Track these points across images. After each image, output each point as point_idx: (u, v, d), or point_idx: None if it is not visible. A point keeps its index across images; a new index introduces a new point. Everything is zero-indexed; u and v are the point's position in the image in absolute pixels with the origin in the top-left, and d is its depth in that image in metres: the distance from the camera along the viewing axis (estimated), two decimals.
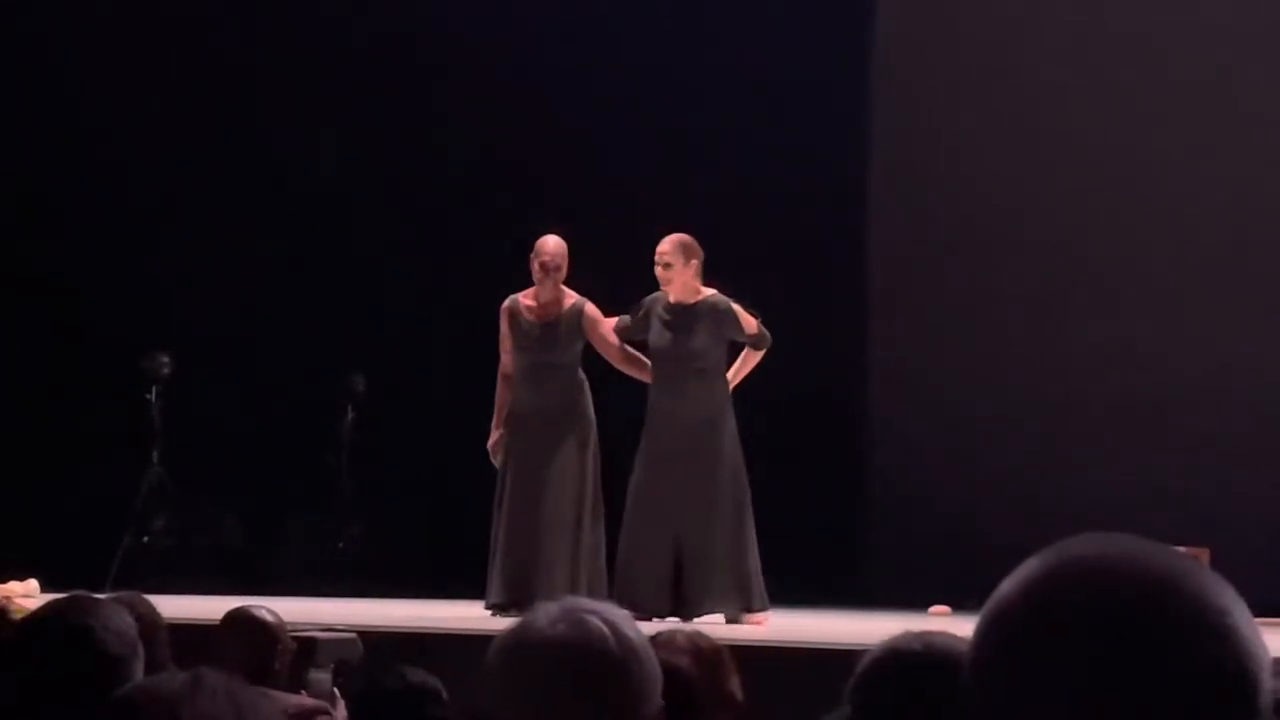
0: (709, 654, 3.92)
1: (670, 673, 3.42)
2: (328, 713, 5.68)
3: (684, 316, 10.24)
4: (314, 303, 13.92)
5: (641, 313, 10.38)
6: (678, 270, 10.23)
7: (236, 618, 6.21)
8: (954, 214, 12.79)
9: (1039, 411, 12.19)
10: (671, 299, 10.28)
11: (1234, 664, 1.50)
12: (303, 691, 6.49)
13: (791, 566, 11.71)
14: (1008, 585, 1.56)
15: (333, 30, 14.15)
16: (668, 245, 10.29)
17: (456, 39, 13.90)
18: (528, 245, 10.63)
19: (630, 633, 2.36)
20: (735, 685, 4.11)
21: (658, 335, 10.31)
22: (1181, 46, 12.44)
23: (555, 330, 10.48)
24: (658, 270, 10.25)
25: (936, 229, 12.80)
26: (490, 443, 10.51)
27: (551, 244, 10.51)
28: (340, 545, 13.57)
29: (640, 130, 13.45)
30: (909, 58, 13.17)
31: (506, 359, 10.57)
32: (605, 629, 2.33)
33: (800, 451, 12.67)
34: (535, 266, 10.51)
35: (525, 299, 10.59)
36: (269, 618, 6.17)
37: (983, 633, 1.56)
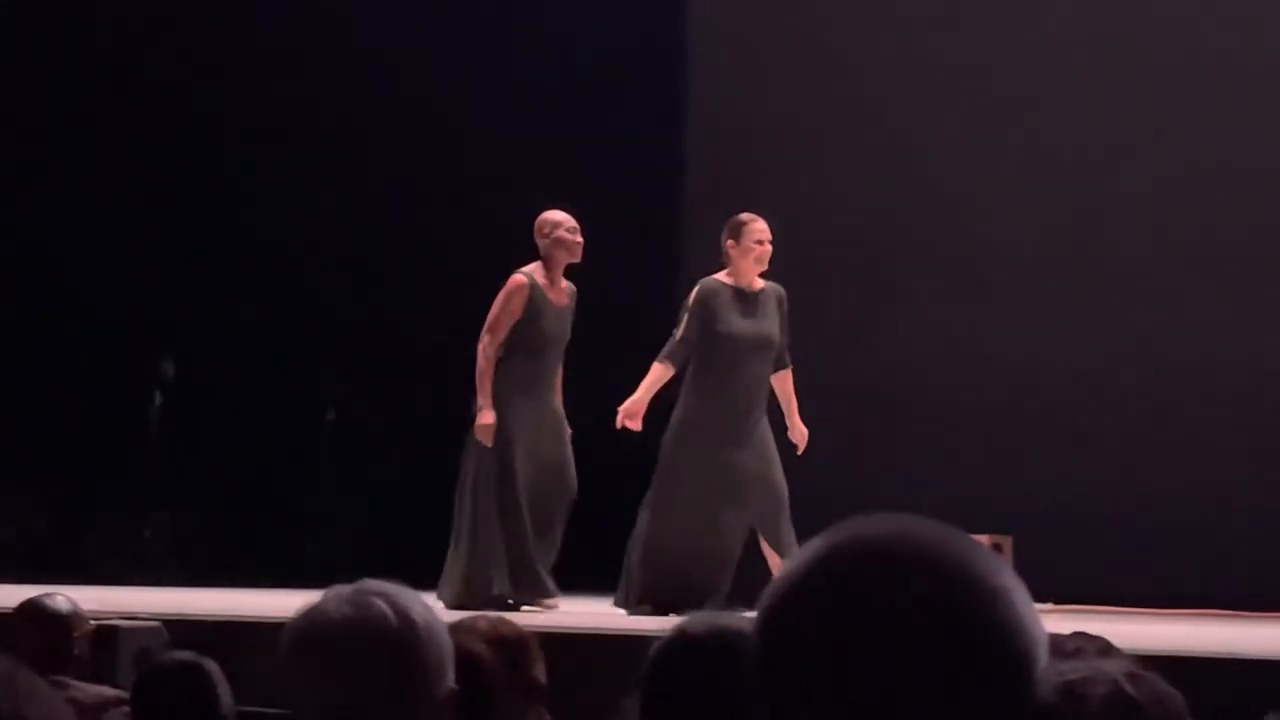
0: (511, 640, 3.92)
1: (467, 658, 3.42)
2: (126, 702, 5.60)
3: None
4: (124, 287, 13.73)
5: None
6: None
7: (29, 606, 6.11)
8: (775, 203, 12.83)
9: (851, 401, 12.27)
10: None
11: (1010, 643, 1.52)
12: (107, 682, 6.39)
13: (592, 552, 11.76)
14: (791, 565, 1.57)
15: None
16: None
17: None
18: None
19: (416, 614, 2.38)
20: (539, 671, 4.11)
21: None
22: (1034, 13, 12.52)
23: (570, 312, 10.19)
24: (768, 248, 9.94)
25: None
26: (484, 423, 9.95)
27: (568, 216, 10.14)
28: (147, 534, 13.42)
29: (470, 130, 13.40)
30: (725, 57, 13.20)
31: (502, 336, 10.03)
32: (388, 610, 2.35)
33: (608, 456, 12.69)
34: (569, 234, 10.06)
35: (541, 277, 10.10)
36: (64, 606, 6.07)
37: (766, 611, 1.56)
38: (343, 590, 2.41)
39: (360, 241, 13.77)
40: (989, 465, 11.81)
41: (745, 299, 9.96)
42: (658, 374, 9.90)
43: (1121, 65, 12.24)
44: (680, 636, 2.82)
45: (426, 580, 8.70)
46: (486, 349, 10.01)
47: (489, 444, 9.93)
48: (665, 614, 8.99)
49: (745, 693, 1.63)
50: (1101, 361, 11.96)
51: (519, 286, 10.04)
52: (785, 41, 13.06)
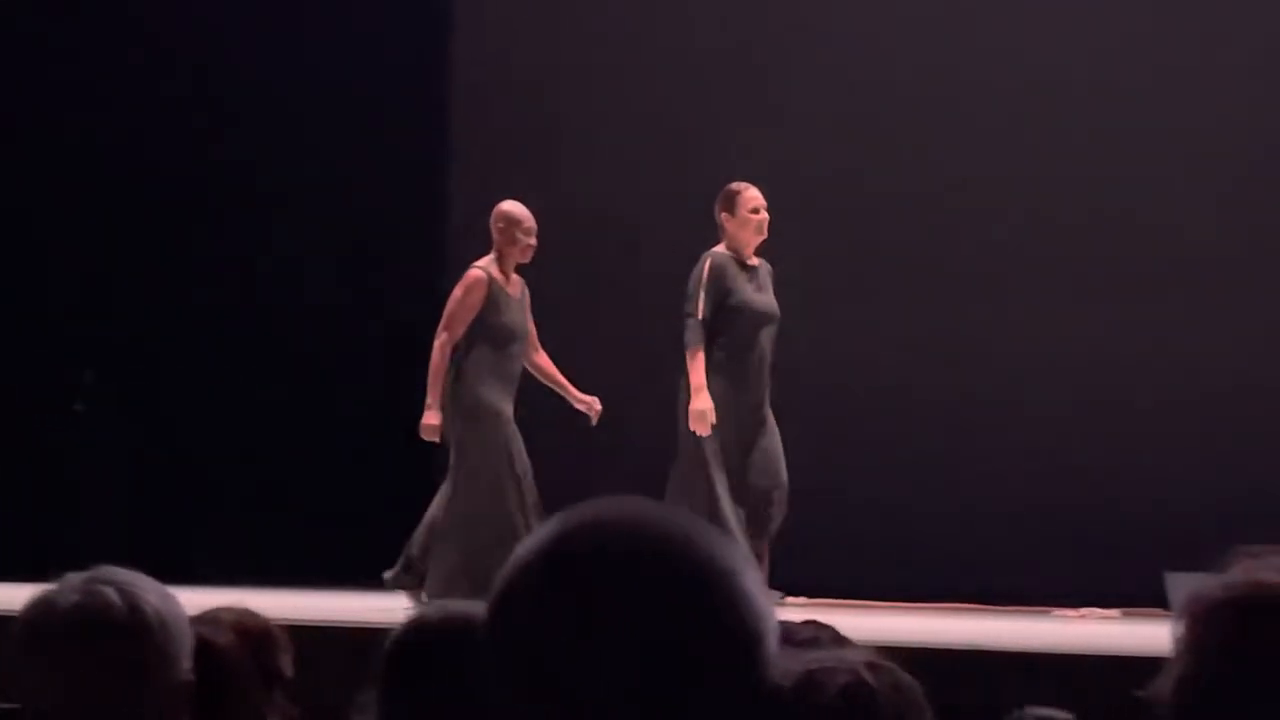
0: (256, 632, 3.87)
1: (207, 647, 3.37)
2: None
3: None
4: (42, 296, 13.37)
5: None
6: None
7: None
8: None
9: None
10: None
11: (740, 622, 1.52)
12: None
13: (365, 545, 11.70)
14: (524, 546, 1.57)
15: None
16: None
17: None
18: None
19: (148, 603, 2.34)
20: (285, 663, 4.07)
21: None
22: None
23: (525, 305, 9.98)
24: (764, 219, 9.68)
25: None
26: (430, 423, 9.69)
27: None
28: None
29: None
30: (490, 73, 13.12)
31: (460, 332, 9.77)
32: (117, 598, 2.31)
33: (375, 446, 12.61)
34: (523, 235, 9.85)
35: (496, 271, 9.87)
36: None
37: (500, 592, 1.56)
38: (75, 579, 2.37)
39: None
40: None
41: (748, 271, 9.72)
42: (701, 361, 9.51)
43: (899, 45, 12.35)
44: (415, 625, 2.80)
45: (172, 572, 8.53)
46: (444, 345, 9.75)
47: (436, 440, 9.71)
48: None
49: (481, 680, 1.62)
50: (847, 357, 12.02)
51: (477, 280, 9.82)
52: (555, 40, 13.03)
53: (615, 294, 12.42)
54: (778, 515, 9.63)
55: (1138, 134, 11.73)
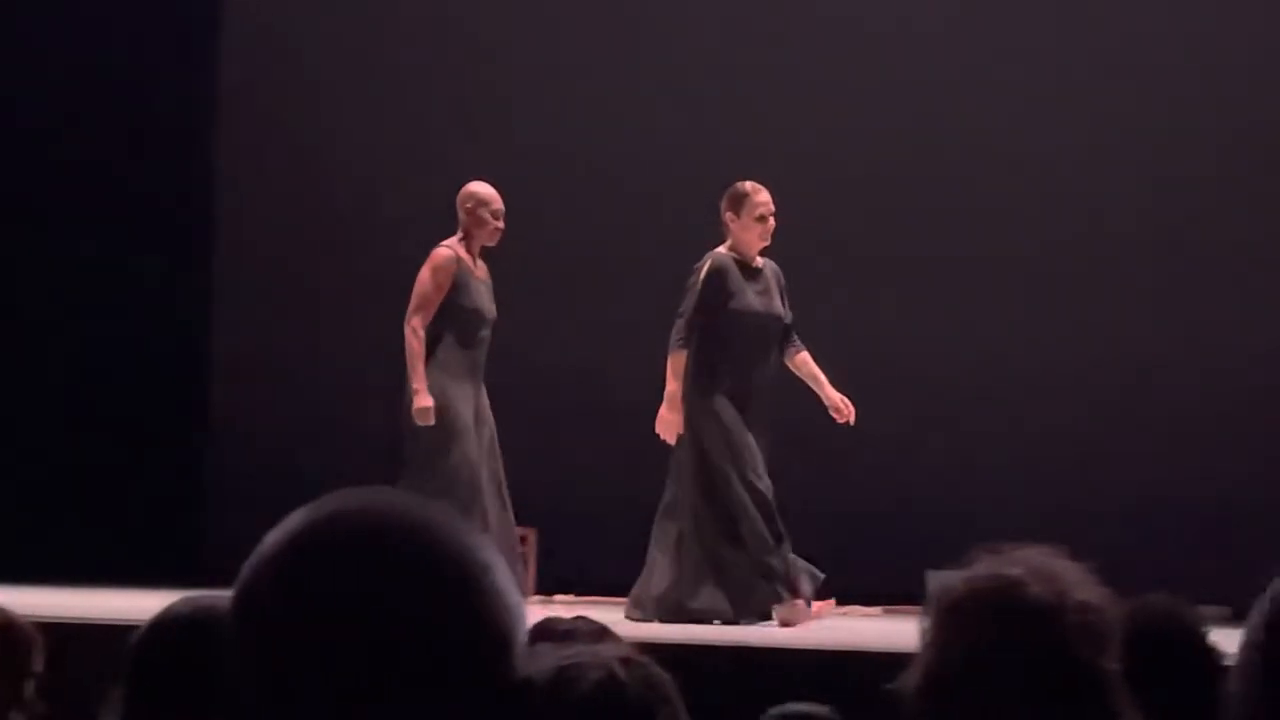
0: (4, 628, 3.84)
1: None
2: None
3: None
4: None
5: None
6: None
7: None
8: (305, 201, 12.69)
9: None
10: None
11: (486, 619, 1.51)
12: None
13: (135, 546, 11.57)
14: (268, 539, 1.55)
15: None
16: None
17: None
18: None
19: None
20: (35, 661, 4.04)
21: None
22: None
23: (491, 288, 9.65)
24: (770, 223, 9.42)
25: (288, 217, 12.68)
26: (422, 406, 9.28)
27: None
28: None
29: None
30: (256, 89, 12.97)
31: (431, 314, 9.40)
32: None
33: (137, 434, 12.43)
34: (492, 217, 9.54)
35: (463, 252, 9.52)
36: None
37: (242, 584, 1.54)
38: None
39: None
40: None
41: (751, 274, 9.44)
42: (681, 363, 9.25)
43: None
44: (162, 620, 2.77)
45: None
46: (417, 329, 9.38)
47: (432, 421, 9.28)
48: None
49: (225, 675, 1.60)
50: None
51: (446, 260, 9.47)
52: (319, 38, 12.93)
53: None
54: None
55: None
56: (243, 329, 12.61)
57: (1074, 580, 1.98)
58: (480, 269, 9.62)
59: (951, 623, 1.90)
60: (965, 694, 1.91)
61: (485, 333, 9.55)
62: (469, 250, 9.55)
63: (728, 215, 9.43)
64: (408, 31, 12.75)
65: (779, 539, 9.14)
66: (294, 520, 1.54)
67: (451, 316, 9.45)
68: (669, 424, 9.22)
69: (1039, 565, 1.89)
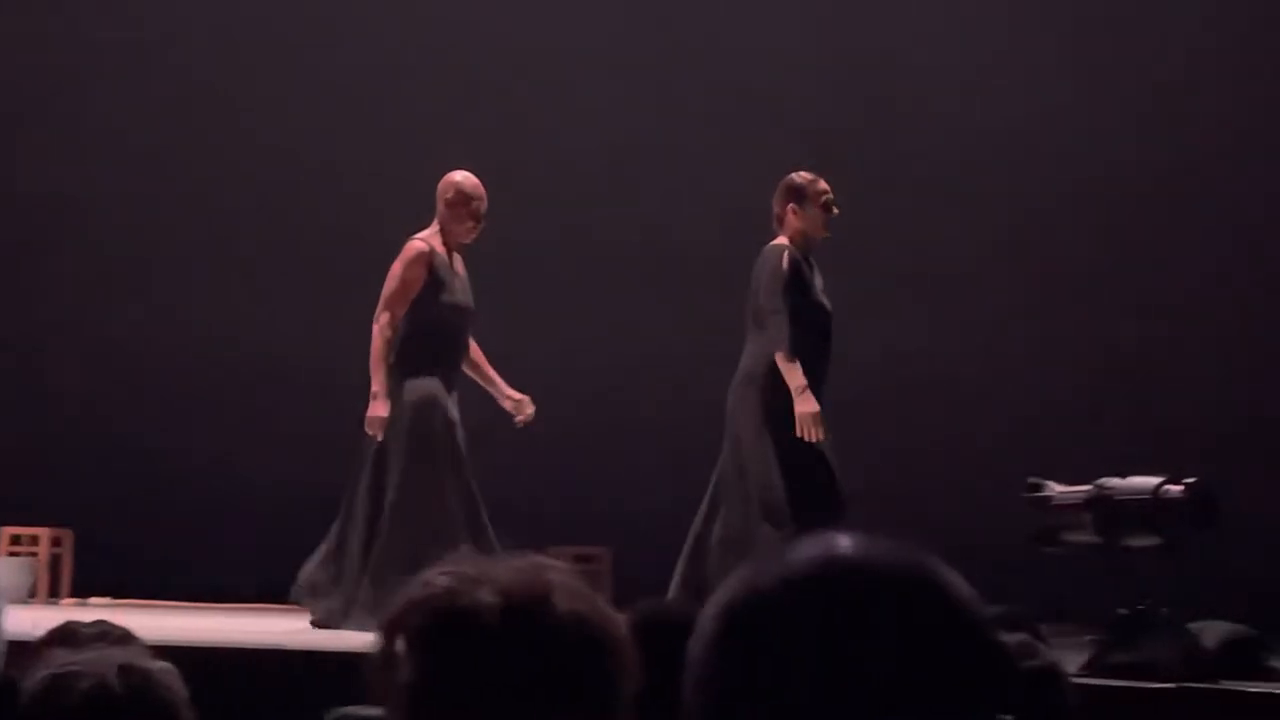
0: None
1: None
2: None
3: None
4: None
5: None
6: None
7: None
8: None
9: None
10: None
11: None
12: None
13: None
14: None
15: None
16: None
17: None
18: None
19: None
20: None
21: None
22: None
23: (468, 282, 9.07)
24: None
25: None
26: (376, 415, 8.65)
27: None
28: None
29: None
30: None
31: (401, 312, 8.83)
32: None
33: None
34: (474, 212, 8.94)
35: (439, 245, 8.92)
36: None
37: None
38: None
39: None
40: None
41: (811, 265, 8.99)
42: (798, 361, 8.65)
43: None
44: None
45: None
46: (385, 328, 8.76)
47: (380, 436, 8.65)
48: None
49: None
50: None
51: (419, 254, 8.87)
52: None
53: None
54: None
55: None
56: None
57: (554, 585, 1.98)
58: (457, 261, 9.07)
59: (396, 631, 1.92)
60: (425, 696, 1.95)
61: (464, 329, 9.06)
62: (445, 243, 9.01)
63: (789, 207, 8.99)
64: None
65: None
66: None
67: (425, 314, 8.89)
68: (813, 420, 8.68)
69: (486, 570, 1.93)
